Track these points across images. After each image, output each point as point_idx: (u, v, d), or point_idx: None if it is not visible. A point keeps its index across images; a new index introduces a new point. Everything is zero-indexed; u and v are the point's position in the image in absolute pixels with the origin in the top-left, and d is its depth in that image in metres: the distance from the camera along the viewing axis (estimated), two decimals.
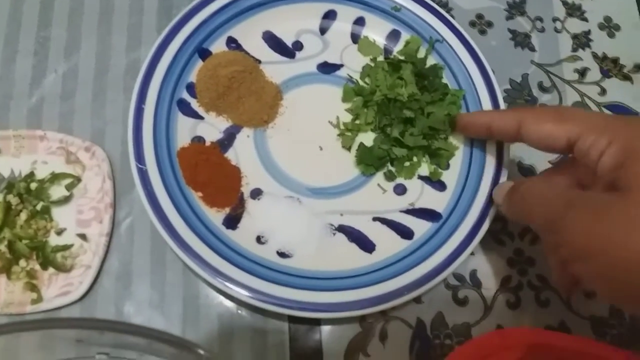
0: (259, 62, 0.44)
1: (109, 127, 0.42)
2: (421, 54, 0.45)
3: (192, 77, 0.42)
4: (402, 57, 0.44)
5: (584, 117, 0.33)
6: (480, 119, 0.39)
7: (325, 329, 0.39)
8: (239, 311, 0.39)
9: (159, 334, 0.30)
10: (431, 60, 0.45)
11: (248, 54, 0.44)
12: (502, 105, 0.43)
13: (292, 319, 0.39)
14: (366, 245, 0.40)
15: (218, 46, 0.43)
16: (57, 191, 0.40)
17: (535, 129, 0.34)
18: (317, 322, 0.39)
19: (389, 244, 0.39)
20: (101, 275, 0.39)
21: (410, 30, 0.45)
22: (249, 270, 0.37)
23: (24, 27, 0.45)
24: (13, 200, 0.38)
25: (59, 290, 0.38)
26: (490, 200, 0.40)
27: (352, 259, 0.39)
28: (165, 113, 0.40)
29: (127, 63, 0.44)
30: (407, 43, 0.45)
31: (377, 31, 0.46)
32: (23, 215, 0.38)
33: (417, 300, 0.40)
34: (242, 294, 0.36)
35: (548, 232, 0.33)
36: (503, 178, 0.41)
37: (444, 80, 0.44)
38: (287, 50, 0.45)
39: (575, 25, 0.51)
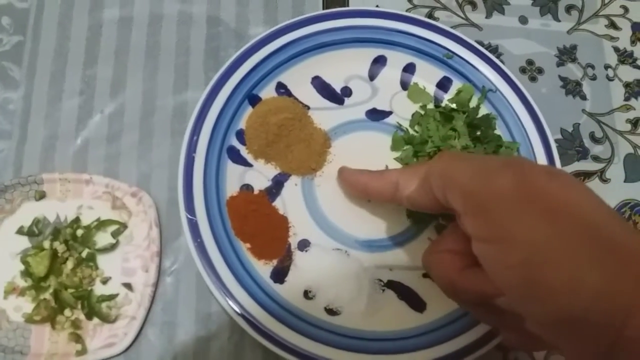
0: (308, 108, 0.43)
1: (155, 172, 0.41)
2: (473, 103, 0.44)
3: (242, 123, 0.41)
4: (453, 106, 0.43)
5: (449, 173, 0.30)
6: (358, 179, 0.38)
7: None
8: None
9: None
10: (483, 110, 0.44)
11: (297, 99, 0.43)
12: (557, 158, 0.42)
13: None
14: (417, 303, 0.39)
15: (267, 92, 0.42)
16: (102, 238, 0.39)
17: (404, 193, 0.34)
18: None
19: (440, 303, 0.38)
20: (146, 327, 0.38)
21: (462, 78, 0.44)
22: (297, 329, 0.36)
23: (70, 64, 0.44)
24: (59, 247, 0.38)
25: (103, 342, 0.37)
26: None
27: (402, 318, 0.38)
28: (215, 161, 0.39)
29: (175, 105, 0.43)
30: (459, 92, 0.44)
31: (427, 78, 0.45)
32: (69, 264, 0.38)
33: None
34: (290, 355, 0.35)
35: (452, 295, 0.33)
36: None
37: (497, 132, 0.43)
38: (335, 96, 0.44)
39: (627, 73, 0.50)
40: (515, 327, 0.29)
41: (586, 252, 0.24)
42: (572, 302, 0.23)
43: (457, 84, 0.44)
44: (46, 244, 0.38)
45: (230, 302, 0.36)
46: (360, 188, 0.38)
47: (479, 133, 0.42)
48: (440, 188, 0.30)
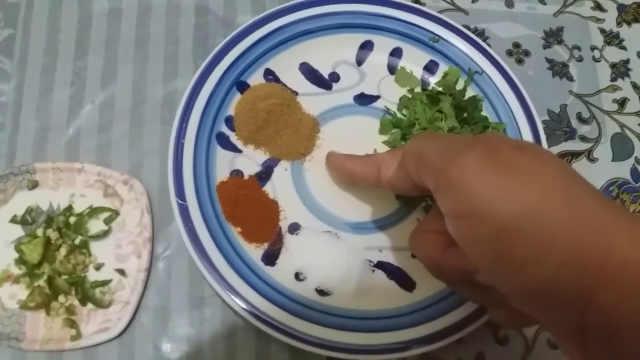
0: (296, 94, 0.43)
1: (146, 160, 0.42)
2: (459, 85, 0.44)
3: (231, 110, 0.41)
4: (440, 89, 0.44)
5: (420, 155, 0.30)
6: (344, 165, 0.38)
7: None
8: (277, 350, 0.38)
9: None
10: (470, 92, 0.44)
11: (285, 85, 0.43)
12: (544, 138, 0.43)
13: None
14: (406, 283, 0.39)
15: (256, 78, 0.43)
16: (95, 225, 0.39)
17: (384, 178, 0.34)
18: None
19: (429, 282, 0.38)
20: (139, 311, 0.38)
21: (448, 61, 0.45)
22: (289, 310, 0.36)
23: (61, 56, 0.44)
24: (53, 235, 0.38)
25: (97, 327, 0.37)
26: None
27: (392, 297, 0.38)
28: (205, 147, 0.40)
29: (164, 94, 0.44)
30: (446, 74, 0.44)
31: (414, 62, 0.45)
32: (63, 251, 0.38)
33: (457, 339, 0.39)
34: (282, 336, 0.36)
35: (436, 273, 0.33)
36: None
37: (484, 113, 0.43)
38: (323, 82, 0.44)
39: (613, 54, 0.50)
40: (502, 304, 0.29)
41: (552, 221, 0.23)
42: (540, 273, 0.23)
43: (443, 67, 0.45)
44: (39, 232, 0.38)
45: (223, 286, 0.36)
46: (346, 174, 0.38)
47: (465, 115, 0.43)
48: (414, 169, 0.30)
